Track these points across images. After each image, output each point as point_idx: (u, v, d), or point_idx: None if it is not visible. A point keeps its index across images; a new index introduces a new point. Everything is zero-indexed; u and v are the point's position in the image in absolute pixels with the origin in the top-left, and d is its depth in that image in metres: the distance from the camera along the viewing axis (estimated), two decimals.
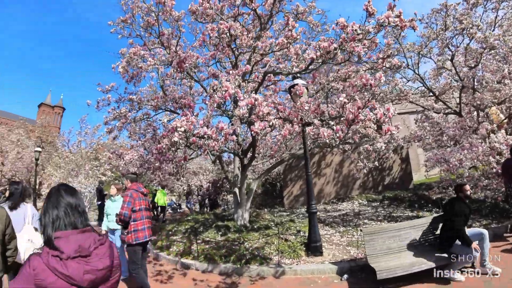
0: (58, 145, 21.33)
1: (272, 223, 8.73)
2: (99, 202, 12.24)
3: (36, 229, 3.59)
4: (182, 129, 3.80)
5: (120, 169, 7.96)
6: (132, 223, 4.29)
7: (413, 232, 5.21)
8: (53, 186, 1.59)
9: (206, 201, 15.89)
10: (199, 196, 15.77)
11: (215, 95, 3.86)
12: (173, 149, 4.29)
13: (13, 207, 3.62)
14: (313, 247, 6.24)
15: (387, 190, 12.88)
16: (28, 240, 3.36)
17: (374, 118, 3.83)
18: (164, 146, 4.51)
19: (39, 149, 17.88)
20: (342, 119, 3.99)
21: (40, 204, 17.74)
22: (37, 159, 17.29)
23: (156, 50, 8.16)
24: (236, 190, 8.56)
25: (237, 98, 3.82)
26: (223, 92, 3.79)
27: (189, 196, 16.78)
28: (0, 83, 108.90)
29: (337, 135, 3.91)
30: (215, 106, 4.06)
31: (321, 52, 4.70)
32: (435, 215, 5.57)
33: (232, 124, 4.30)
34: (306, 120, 4.53)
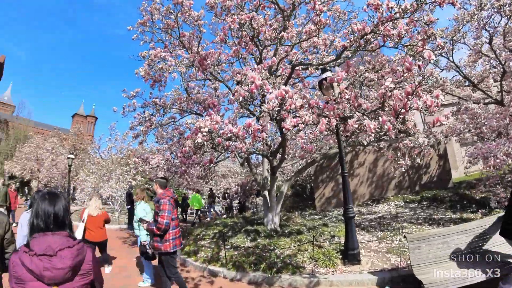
0: (90, 152, 22.08)
1: (304, 227, 8.25)
2: (129, 206, 12.40)
3: None
4: (206, 129, 3.47)
5: (147, 173, 7.84)
6: (171, 231, 4.25)
7: (464, 238, 4.53)
8: (38, 194, 1.80)
9: (235, 204, 15.64)
10: (227, 200, 15.50)
11: (241, 88, 3.48)
12: (199, 151, 3.97)
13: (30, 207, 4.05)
14: (350, 255, 5.72)
15: (424, 189, 12.01)
16: None
17: (423, 107, 3.29)
18: (187, 149, 4.24)
19: (72, 156, 18.46)
20: (386, 109, 3.47)
21: (73, 208, 18.41)
22: (70, 166, 17.97)
23: (178, 52, 8.00)
24: (266, 193, 8.19)
25: (265, 91, 3.43)
26: (250, 85, 3.41)
27: (211, 200, 16.53)
28: (36, 96, 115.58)
29: (385, 126, 3.39)
30: (240, 100, 3.66)
31: (355, 36, 4.20)
32: (499, 215, 4.74)
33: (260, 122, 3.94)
34: (345, 114, 4.05)
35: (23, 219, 4.29)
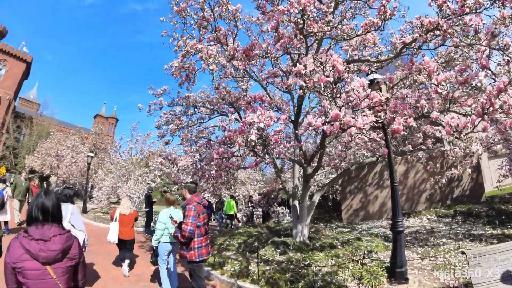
0: (110, 152, 21.90)
1: (336, 241, 7.62)
2: (147, 209, 11.92)
3: (73, 226, 4.12)
4: (262, 125, 3.00)
5: (172, 176, 7.40)
6: (196, 239, 3.95)
7: None
8: (39, 192, 2.14)
9: (256, 212, 15.01)
10: (249, 207, 14.88)
11: (322, 74, 2.92)
12: (247, 149, 3.50)
13: None
14: (398, 273, 5.14)
15: (456, 203, 11.31)
16: None
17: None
18: (222, 151, 3.80)
19: (92, 154, 18.32)
20: (473, 105, 2.89)
21: (90, 206, 18.28)
22: (89, 164, 17.80)
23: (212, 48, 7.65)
24: (296, 202, 7.65)
25: (344, 78, 2.92)
26: (330, 70, 2.87)
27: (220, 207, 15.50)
28: (60, 96, 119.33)
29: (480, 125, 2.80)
30: (322, 87, 3.07)
31: (424, 28, 3.67)
32: None
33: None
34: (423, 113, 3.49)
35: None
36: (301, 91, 4.88)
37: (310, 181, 7.21)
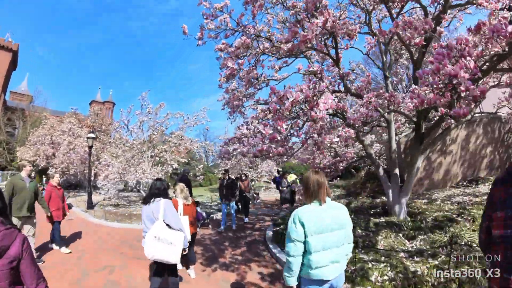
0: (114, 131, 17.92)
1: (434, 220, 5.95)
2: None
3: (168, 226, 3.49)
4: None
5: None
6: None
7: None
8: None
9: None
10: (287, 187, 12.79)
11: None
12: None
13: (143, 202, 3.78)
14: None
15: None
16: (154, 237, 3.36)
17: None
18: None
19: (93, 135, 14.36)
20: None
21: (95, 198, 15.62)
22: (90, 147, 14.24)
23: None
24: (397, 171, 6.10)
25: None
26: None
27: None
28: (53, 87, 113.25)
29: None
30: None
31: None
32: None
33: None
34: None
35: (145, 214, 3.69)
36: None
37: (424, 142, 5.64)
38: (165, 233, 3.40)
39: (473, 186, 9.79)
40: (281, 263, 5.40)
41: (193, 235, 5.11)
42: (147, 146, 13.40)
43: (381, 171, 6.38)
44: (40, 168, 21.65)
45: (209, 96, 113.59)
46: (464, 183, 10.16)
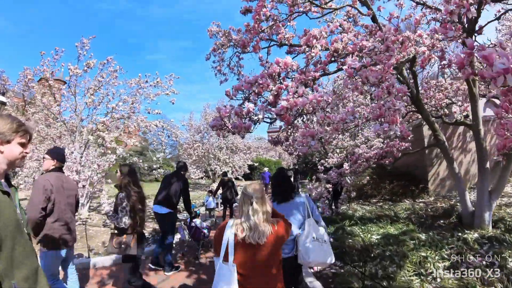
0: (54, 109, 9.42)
1: None
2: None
3: (317, 222, 2.67)
4: None
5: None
6: None
7: None
8: None
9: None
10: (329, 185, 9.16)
11: None
12: None
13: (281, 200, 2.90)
14: None
15: None
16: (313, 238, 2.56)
17: None
18: None
19: (3, 98, 7.50)
20: None
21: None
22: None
23: None
24: (487, 164, 4.24)
25: None
26: None
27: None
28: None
29: None
30: None
31: None
32: None
33: None
34: None
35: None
36: None
37: None
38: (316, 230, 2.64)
39: None
40: None
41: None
42: (79, 119, 8.40)
43: (456, 167, 4.53)
44: None
45: None
46: None
